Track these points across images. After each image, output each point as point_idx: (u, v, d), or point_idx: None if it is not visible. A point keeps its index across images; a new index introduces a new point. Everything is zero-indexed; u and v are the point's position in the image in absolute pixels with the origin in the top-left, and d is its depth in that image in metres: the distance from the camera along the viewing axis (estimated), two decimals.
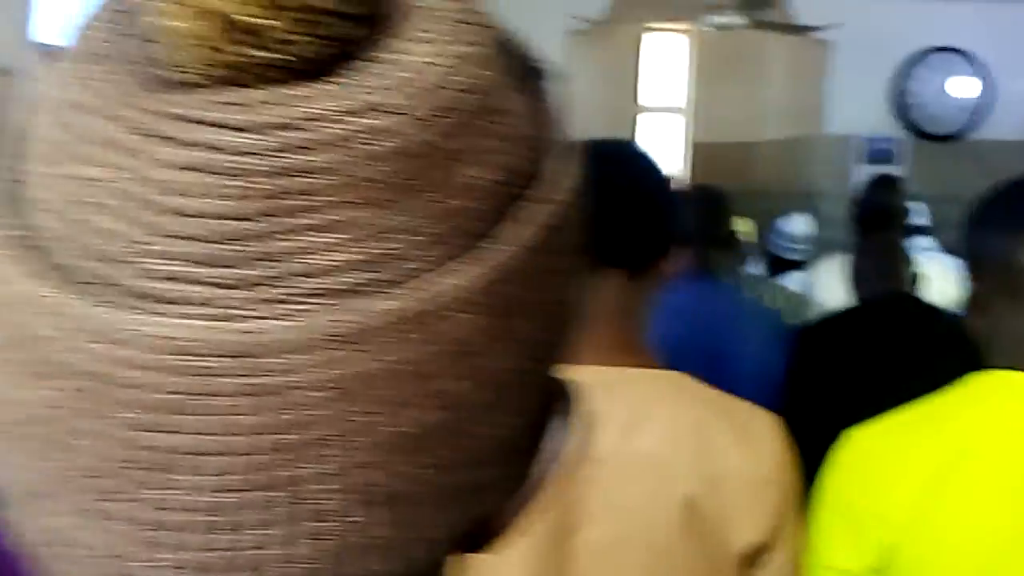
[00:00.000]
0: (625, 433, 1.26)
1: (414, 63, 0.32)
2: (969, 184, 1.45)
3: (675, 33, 7.40)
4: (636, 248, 1.37)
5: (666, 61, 7.60)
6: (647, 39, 7.31)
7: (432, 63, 0.33)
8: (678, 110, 7.70)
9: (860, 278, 2.66)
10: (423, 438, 0.32)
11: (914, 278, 2.67)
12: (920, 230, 4.52)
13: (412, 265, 0.32)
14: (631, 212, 1.35)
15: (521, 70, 0.40)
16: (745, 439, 1.29)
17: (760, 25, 5.06)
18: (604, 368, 1.30)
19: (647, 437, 1.26)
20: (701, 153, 7.50)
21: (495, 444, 0.35)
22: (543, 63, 0.42)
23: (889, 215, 3.60)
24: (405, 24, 0.34)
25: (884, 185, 3.76)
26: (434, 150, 0.32)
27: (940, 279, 2.95)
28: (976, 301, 1.40)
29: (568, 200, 0.37)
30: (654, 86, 7.56)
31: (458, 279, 0.32)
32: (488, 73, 0.34)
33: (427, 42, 0.33)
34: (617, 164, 1.39)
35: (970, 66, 6.37)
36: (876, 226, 3.46)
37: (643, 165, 1.42)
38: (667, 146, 7.67)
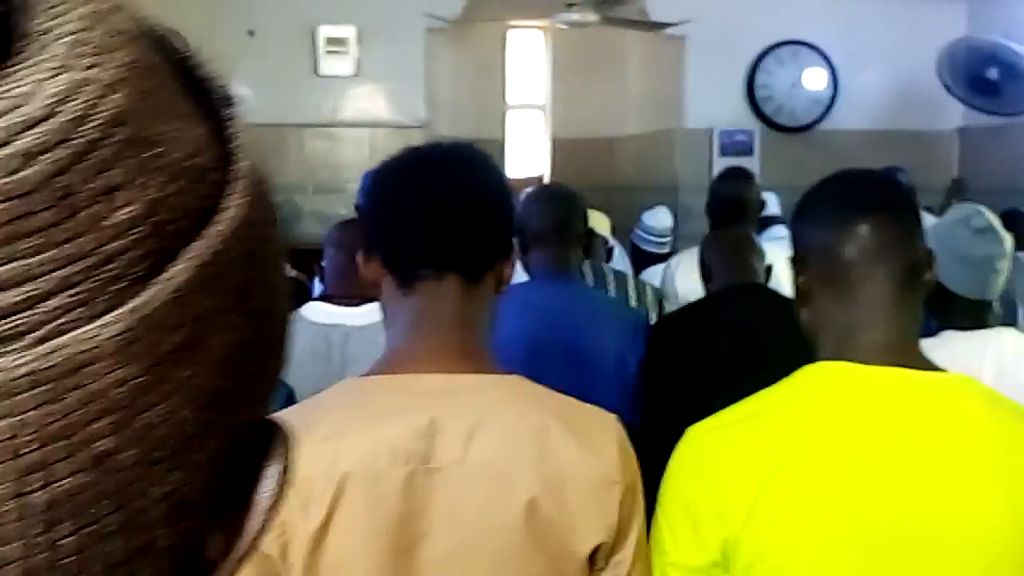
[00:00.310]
0: (466, 441, 1.25)
1: (22, 93, 0.29)
2: (819, 173, 1.49)
3: (533, 30, 7.45)
4: (471, 253, 1.35)
5: (527, 59, 7.64)
6: (509, 37, 7.34)
7: (37, 93, 0.30)
8: (539, 107, 7.76)
9: (710, 270, 2.70)
10: (72, 504, 0.30)
11: (766, 269, 2.73)
12: (774, 220, 4.65)
13: (44, 316, 0.29)
14: (465, 217, 1.34)
15: (196, 95, 0.37)
16: (585, 441, 1.28)
17: (614, 22, 5.13)
18: (443, 376, 1.29)
19: (488, 444, 1.25)
20: (563, 149, 7.57)
21: (170, 505, 0.32)
22: (222, 88, 0.38)
23: (741, 206, 3.65)
24: (25, 52, 0.30)
25: (735, 176, 3.82)
26: (49, 188, 0.29)
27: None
28: (803, 293, 1.43)
29: (245, 234, 0.35)
30: (517, 84, 7.60)
31: (97, 330, 0.29)
32: (118, 99, 0.31)
33: (43, 69, 0.30)
34: (450, 168, 1.38)
35: (819, 59, 6.60)
36: (729, 217, 3.51)
37: (478, 168, 1.40)
38: (530, 143, 7.72)
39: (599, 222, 4.15)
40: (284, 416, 1.24)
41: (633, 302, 3.04)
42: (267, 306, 0.37)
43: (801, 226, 1.46)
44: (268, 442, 0.39)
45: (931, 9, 6.51)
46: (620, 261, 4.48)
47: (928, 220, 2.76)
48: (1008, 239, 2.30)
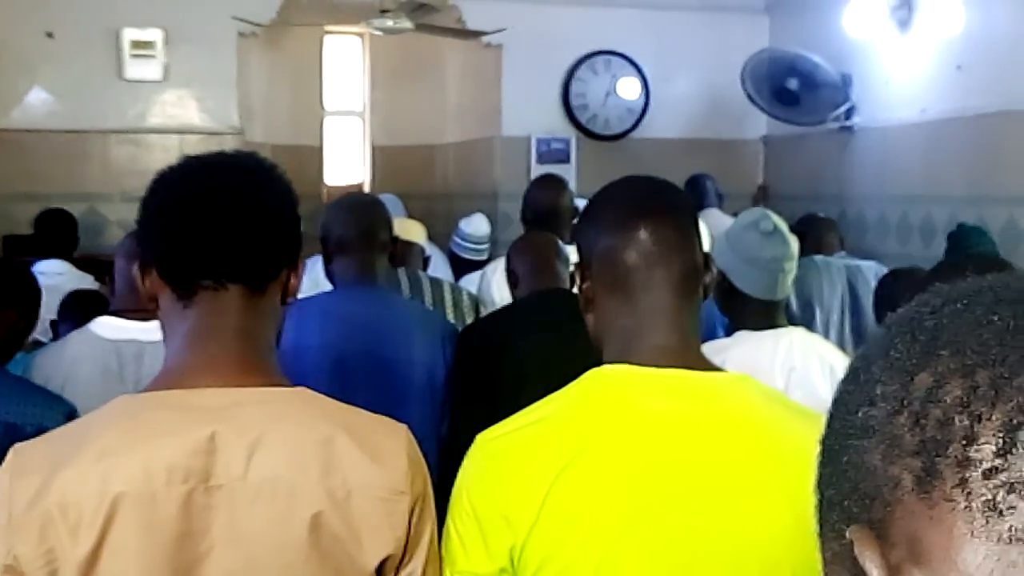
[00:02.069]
0: (247, 457, 1.21)
1: None
2: None
3: (351, 36, 7.37)
4: (252, 263, 1.31)
5: (344, 65, 7.56)
6: (326, 42, 7.23)
7: None
8: (358, 114, 7.68)
9: (516, 276, 2.72)
10: None
11: (572, 275, 2.76)
12: None
13: None
14: (243, 226, 1.30)
15: None
16: (372, 454, 1.26)
17: (429, 29, 5.13)
18: (225, 389, 1.25)
19: (271, 459, 1.22)
20: (383, 157, 7.53)
21: None
22: None
23: (555, 212, 3.68)
24: None
25: (549, 183, 3.87)
26: None
27: None
28: (587, 298, 1.45)
29: None
30: (335, 90, 7.50)
31: None
32: None
33: None
34: (228, 176, 1.34)
35: (632, 70, 6.78)
36: (543, 224, 3.54)
37: (259, 177, 1.36)
38: (349, 150, 7.64)
39: (415, 231, 4.13)
40: (52, 437, 1.17)
41: (449, 309, 3.03)
42: None
43: (584, 232, 1.48)
44: None
45: (736, 22, 6.79)
46: (440, 269, 4.47)
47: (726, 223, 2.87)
48: (794, 241, 2.41)
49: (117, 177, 5.84)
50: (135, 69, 5.83)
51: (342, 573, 1.24)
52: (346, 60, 7.55)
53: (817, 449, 0.59)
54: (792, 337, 2.35)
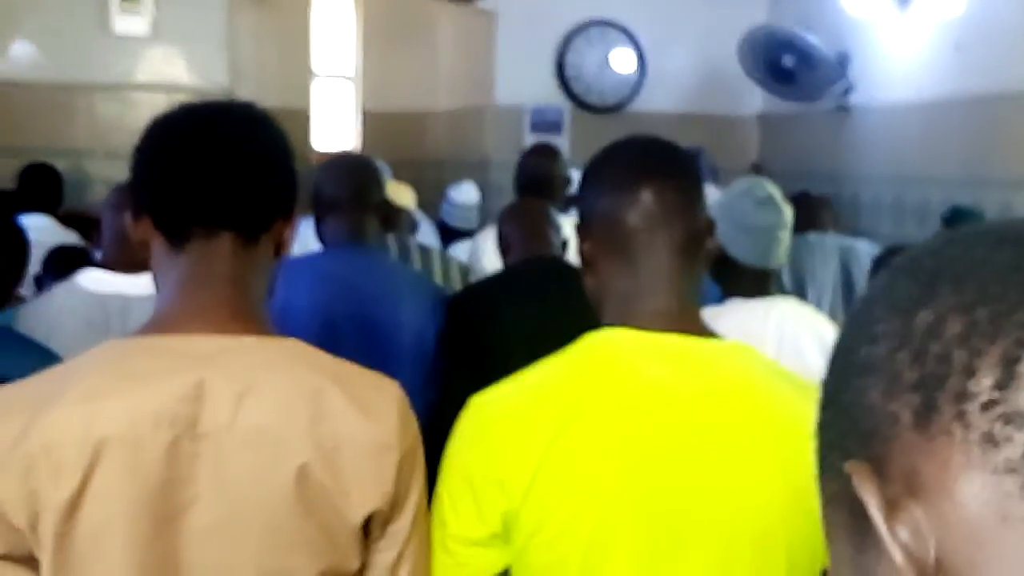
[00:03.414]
0: (235, 405, 1.19)
1: None
2: None
3: None
4: (245, 211, 1.29)
5: (335, 27, 7.48)
6: (316, 3, 7.15)
7: None
8: (349, 78, 7.61)
9: (507, 243, 2.70)
10: None
11: (563, 243, 2.74)
12: None
13: None
14: (236, 173, 1.28)
15: None
16: (362, 406, 1.24)
17: None
18: (215, 337, 1.23)
19: (259, 408, 1.20)
20: (373, 122, 7.46)
21: None
22: None
23: (547, 181, 3.69)
24: None
25: (542, 152, 3.86)
26: None
27: None
28: (587, 260, 1.42)
29: None
30: (326, 53, 7.42)
31: None
32: None
33: None
34: (223, 124, 1.32)
35: (627, 41, 6.72)
36: (535, 192, 3.54)
37: (254, 126, 1.34)
38: (339, 114, 7.57)
39: (404, 195, 4.09)
40: (37, 379, 1.14)
41: (438, 277, 3.02)
42: None
43: (585, 193, 1.45)
44: None
45: None
46: (428, 236, 4.44)
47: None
48: (788, 210, 2.39)
49: (103, 133, 5.76)
50: (123, 23, 5.75)
51: (327, 525, 1.22)
52: (337, 22, 7.47)
53: (813, 420, 0.59)
54: (783, 307, 2.34)
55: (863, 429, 0.53)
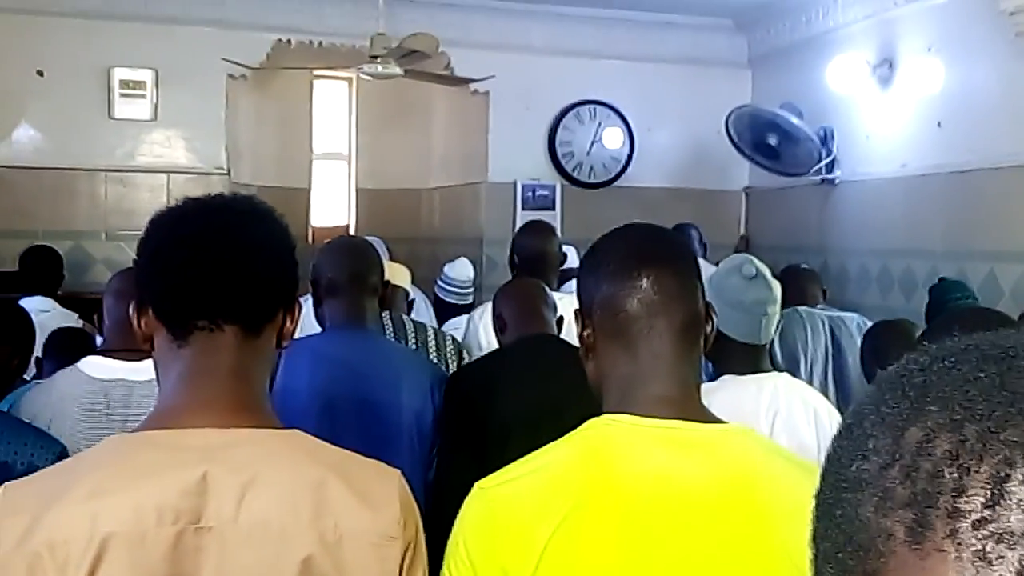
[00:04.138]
0: (238, 498, 1.20)
1: None
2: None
3: (338, 81, 7.42)
4: (249, 304, 1.31)
5: (332, 109, 7.60)
6: (311, 87, 7.27)
7: None
8: (344, 158, 7.71)
9: (503, 321, 2.73)
10: None
11: (559, 320, 2.77)
12: (574, 273, 4.75)
13: None
14: (240, 267, 1.31)
15: None
16: (365, 496, 1.26)
17: (418, 75, 5.18)
18: (218, 430, 1.24)
19: (263, 501, 1.21)
20: (369, 200, 7.55)
21: None
22: None
23: (542, 258, 3.70)
24: None
25: (536, 229, 3.88)
26: None
27: None
28: (588, 346, 1.43)
29: None
30: (322, 133, 7.53)
31: None
32: None
33: None
34: (227, 217, 1.35)
35: (617, 119, 6.85)
36: (530, 269, 3.56)
37: (257, 219, 1.37)
38: (335, 193, 7.65)
39: (400, 274, 4.13)
40: (42, 476, 1.16)
41: (432, 353, 3.03)
42: None
43: (585, 279, 1.46)
44: None
45: (720, 75, 6.88)
46: (423, 313, 4.47)
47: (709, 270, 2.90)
48: (776, 285, 2.43)
49: (104, 215, 5.85)
50: (125, 108, 5.86)
51: None
52: (333, 104, 7.60)
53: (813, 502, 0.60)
54: (776, 382, 2.36)
55: (857, 543, 0.54)
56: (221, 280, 1.29)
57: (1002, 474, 0.48)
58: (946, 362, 0.55)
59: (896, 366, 0.58)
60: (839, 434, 0.59)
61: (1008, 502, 0.48)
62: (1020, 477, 0.48)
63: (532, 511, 1.29)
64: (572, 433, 1.36)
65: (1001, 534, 0.47)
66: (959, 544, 0.48)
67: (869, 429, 0.55)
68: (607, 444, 1.34)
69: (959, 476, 0.49)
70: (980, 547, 0.48)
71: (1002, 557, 0.47)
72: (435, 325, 3.86)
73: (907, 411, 0.54)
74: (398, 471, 1.33)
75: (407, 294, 4.12)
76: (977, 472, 0.49)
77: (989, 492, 0.48)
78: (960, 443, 0.50)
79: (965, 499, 0.49)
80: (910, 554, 0.50)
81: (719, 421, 1.38)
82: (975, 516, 0.48)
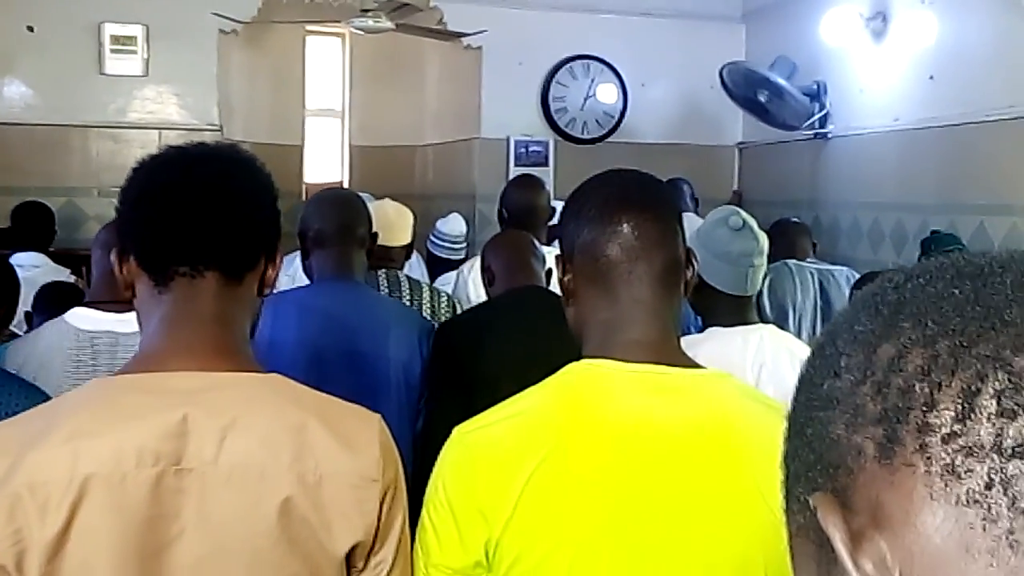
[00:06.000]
0: (219, 441, 1.21)
1: None
2: None
3: (331, 37, 7.38)
4: (230, 250, 1.32)
5: (324, 64, 7.56)
6: (304, 43, 7.23)
7: None
8: (337, 114, 7.68)
9: (492, 274, 2.72)
10: None
11: (547, 272, 2.77)
12: None
13: None
14: (221, 213, 1.31)
15: None
16: (344, 440, 1.27)
17: (409, 29, 5.14)
18: (199, 373, 1.25)
19: (243, 443, 1.22)
20: (362, 157, 7.53)
21: None
22: None
23: (531, 211, 3.69)
24: None
25: (526, 183, 3.88)
26: None
27: None
28: (568, 291, 1.44)
29: None
30: (315, 89, 7.49)
31: None
32: None
33: None
34: (208, 165, 1.35)
35: (611, 75, 6.82)
36: (519, 223, 3.55)
37: (238, 167, 1.37)
38: (329, 149, 7.63)
39: (402, 234, 4.10)
40: (23, 418, 1.17)
41: (427, 310, 3.04)
42: None
43: (566, 224, 1.46)
44: None
45: (713, 29, 6.84)
46: (415, 268, 4.47)
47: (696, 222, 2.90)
48: (763, 237, 2.43)
49: (96, 172, 5.84)
50: (116, 64, 5.83)
51: (311, 559, 1.24)
52: (326, 60, 7.56)
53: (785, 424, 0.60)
54: (762, 333, 2.37)
55: (828, 461, 0.54)
56: (202, 226, 1.29)
57: (973, 388, 0.48)
58: (920, 279, 0.55)
59: (871, 285, 0.58)
60: (812, 354, 0.59)
61: (978, 416, 0.48)
62: (991, 391, 0.48)
63: (510, 454, 1.30)
64: (551, 378, 1.37)
65: (971, 448, 0.48)
66: (928, 458, 0.49)
67: (842, 347, 0.56)
68: (585, 388, 1.35)
69: (930, 391, 0.49)
70: (949, 461, 0.48)
71: (971, 471, 0.47)
72: (427, 281, 3.86)
73: (880, 328, 0.54)
74: (378, 415, 1.34)
75: (408, 251, 4.06)
76: (948, 387, 0.49)
77: (960, 406, 0.48)
78: (932, 358, 0.50)
79: (935, 414, 0.49)
80: (880, 469, 0.51)
81: (697, 366, 1.38)
82: (945, 430, 0.48)
